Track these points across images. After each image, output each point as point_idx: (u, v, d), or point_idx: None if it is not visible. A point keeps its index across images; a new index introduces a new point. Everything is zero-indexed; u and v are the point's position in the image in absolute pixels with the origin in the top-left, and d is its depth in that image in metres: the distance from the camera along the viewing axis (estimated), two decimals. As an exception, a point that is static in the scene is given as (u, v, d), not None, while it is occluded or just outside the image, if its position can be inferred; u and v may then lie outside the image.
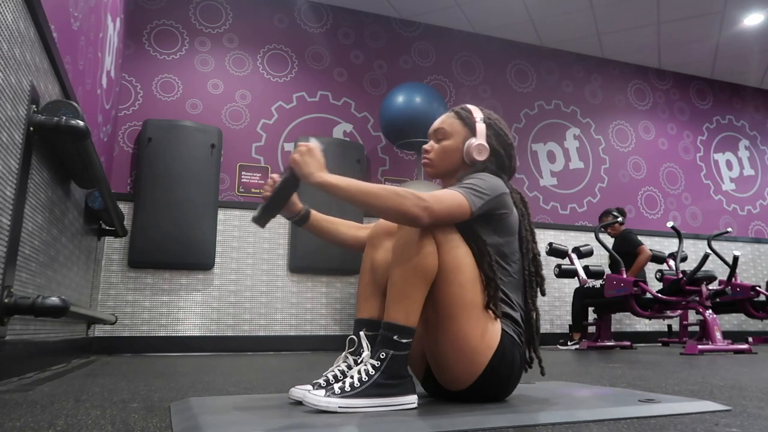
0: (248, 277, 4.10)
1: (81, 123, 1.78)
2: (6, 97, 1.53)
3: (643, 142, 5.81)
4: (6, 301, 1.56)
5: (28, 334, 1.96)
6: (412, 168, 4.78)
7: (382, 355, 1.12)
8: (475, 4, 4.87)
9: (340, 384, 1.11)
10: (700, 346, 3.52)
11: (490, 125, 1.37)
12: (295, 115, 4.55)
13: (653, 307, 4.14)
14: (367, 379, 1.10)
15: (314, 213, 1.43)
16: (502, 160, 1.36)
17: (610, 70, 5.86)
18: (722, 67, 6.07)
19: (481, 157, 1.32)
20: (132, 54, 4.19)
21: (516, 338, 1.23)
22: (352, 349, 1.26)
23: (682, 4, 4.87)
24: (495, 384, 1.21)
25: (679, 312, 4.56)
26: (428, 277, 1.15)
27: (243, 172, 4.29)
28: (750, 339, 5.06)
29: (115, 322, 3.36)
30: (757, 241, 6.00)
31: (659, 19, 5.11)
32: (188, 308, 3.91)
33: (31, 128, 1.75)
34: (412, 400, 1.14)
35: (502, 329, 1.21)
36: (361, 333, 1.23)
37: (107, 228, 3.34)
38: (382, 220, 1.35)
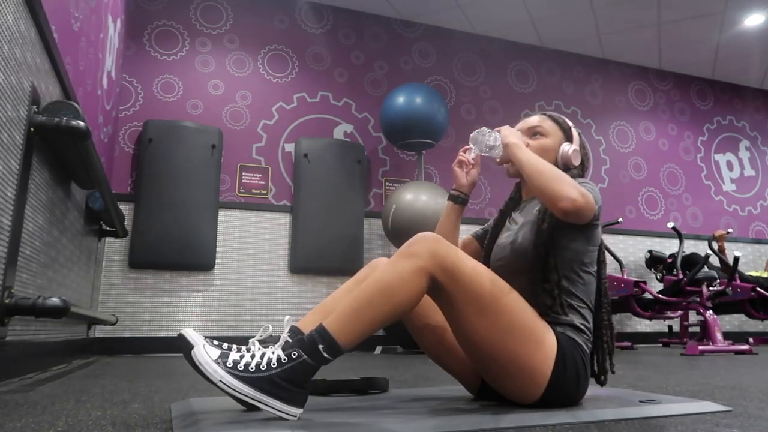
0: (249, 278, 4.10)
1: (81, 123, 1.78)
2: (7, 97, 1.53)
3: (643, 142, 5.81)
4: (7, 301, 1.56)
5: (29, 335, 1.96)
6: (413, 169, 4.78)
7: (294, 355, 1.01)
8: (476, 4, 4.87)
9: (236, 357, 1.02)
10: (700, 347, 3.52)
11: (580, 135, 1.42)
12: (296, 116, 4.55)
13: (654, 308, 4.14)
14: (265, 368, 1.00)
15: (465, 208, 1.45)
16: (584, 170, 1.41)
17: (610, 71, 5.86)
18: (723, 68, 6.07)
19: (576, 162, 1.37)
20: (132, 54, 4.20)
21: (578, 341, 1.18)
22: (262, 338, 1.12)
23: (682, 4, 4.87)
24: (565, 390, 1.15)
25: (679, 312, 4.56)
26: (395, 309, 1.06)
27: (243, 173, 4.29)
28: (750, 340, 5.06)
29: (116, 322, 3.36)
30: (758, 241, 5.99)
31: (660, 19, 5.11)
32: (189, 309, 3.91)
33: (32, 129, 1.75)
34: (294, 413, 1.00)
35: (559, 334, 1.16)
36: (285, 334, 1.09)
37: (108, 228, 3.35)
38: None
